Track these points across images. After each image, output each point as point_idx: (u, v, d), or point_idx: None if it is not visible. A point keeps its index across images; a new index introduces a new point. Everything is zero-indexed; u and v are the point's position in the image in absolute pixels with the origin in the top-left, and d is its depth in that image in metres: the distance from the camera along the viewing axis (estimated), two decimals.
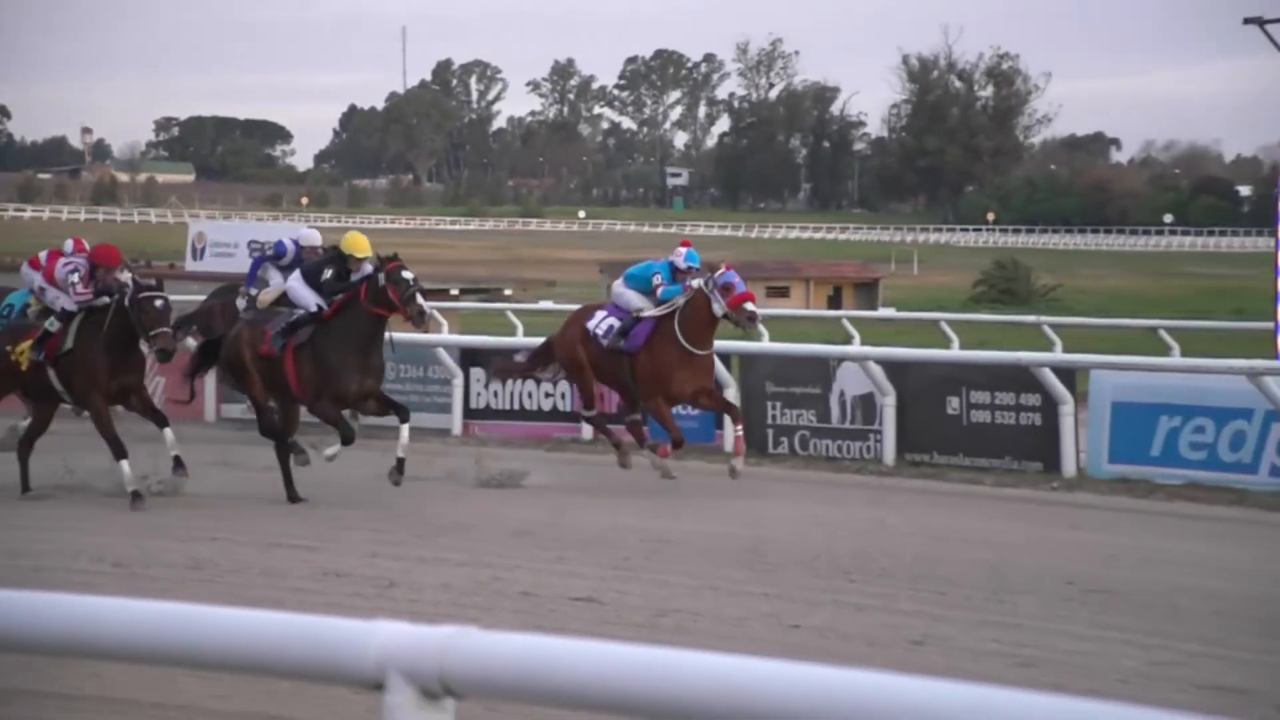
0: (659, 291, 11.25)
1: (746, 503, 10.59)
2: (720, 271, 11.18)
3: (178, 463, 10.39)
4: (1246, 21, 15.11)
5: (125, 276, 10.93)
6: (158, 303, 10.42)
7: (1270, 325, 15.60)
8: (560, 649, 2.30)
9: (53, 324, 10.85)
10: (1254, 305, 18.03)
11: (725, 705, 2.14)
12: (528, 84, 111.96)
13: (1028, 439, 12.04)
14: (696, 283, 11.12)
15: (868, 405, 12.73)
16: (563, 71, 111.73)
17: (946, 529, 9.71)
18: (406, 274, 10.44)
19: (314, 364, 10.48)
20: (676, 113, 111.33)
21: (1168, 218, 77.38)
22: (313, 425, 11.57)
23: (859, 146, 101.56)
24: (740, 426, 11.28)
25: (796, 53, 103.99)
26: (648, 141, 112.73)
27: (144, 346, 10.59)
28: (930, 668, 6.08)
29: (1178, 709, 2.06)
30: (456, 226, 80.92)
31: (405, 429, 10.52)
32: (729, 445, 13.16)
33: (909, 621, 7.12)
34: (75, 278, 10.86)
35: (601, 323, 11.40)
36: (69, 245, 13.79)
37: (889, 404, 12.50)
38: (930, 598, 7.68)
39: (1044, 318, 21.61)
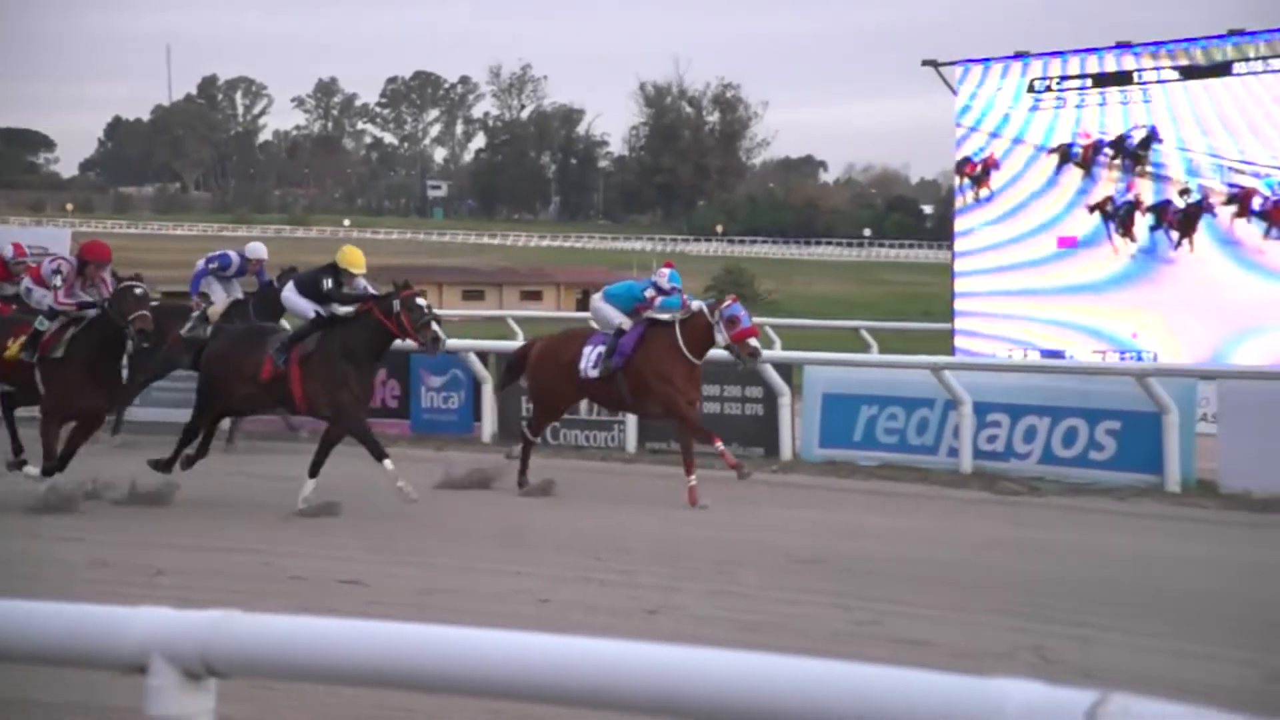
0: (658, 301, 10.40)
1: (503, 491, 10.58)
2: (726, 304, 10.36)
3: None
4: (924, 64, 15.97)
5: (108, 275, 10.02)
6: (137, 290, 9.70)
7: (949, 326, 16.46)
8: (321, 628, 2.28)
9: (42, 323, 9.95)
10: (937, 308, 19.11)
11: (476, 675, 2.14)
12: (293, 100, 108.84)
13: (751, 427, 12.39)
14: (698, 304, 10.43)
15: None
16: (326, 89, 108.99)
17: (680, 510, 9.91)
18: (421, 301, 9.74)
19: (324, 372, 9.70)
20: (436, 129, 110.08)
21: (866, 231, 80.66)
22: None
23: (603, 164, 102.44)
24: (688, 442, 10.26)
25: (545, 77, 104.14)
26: (409, 155, 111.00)
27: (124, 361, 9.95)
28: (662, 633, 6.20)
29: (872, 661, 2.17)
30: (225, 233, 78.11)
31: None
32: (487, 435, 13.14)
33: (647, 594, 7.24)
34: (58, 280, 9.90)
35: (589, 357, 10.42)
36: (9, 251, 12.58)
37: None
38: (666, 572, 7.84)
39: (765, 319, 22.25)
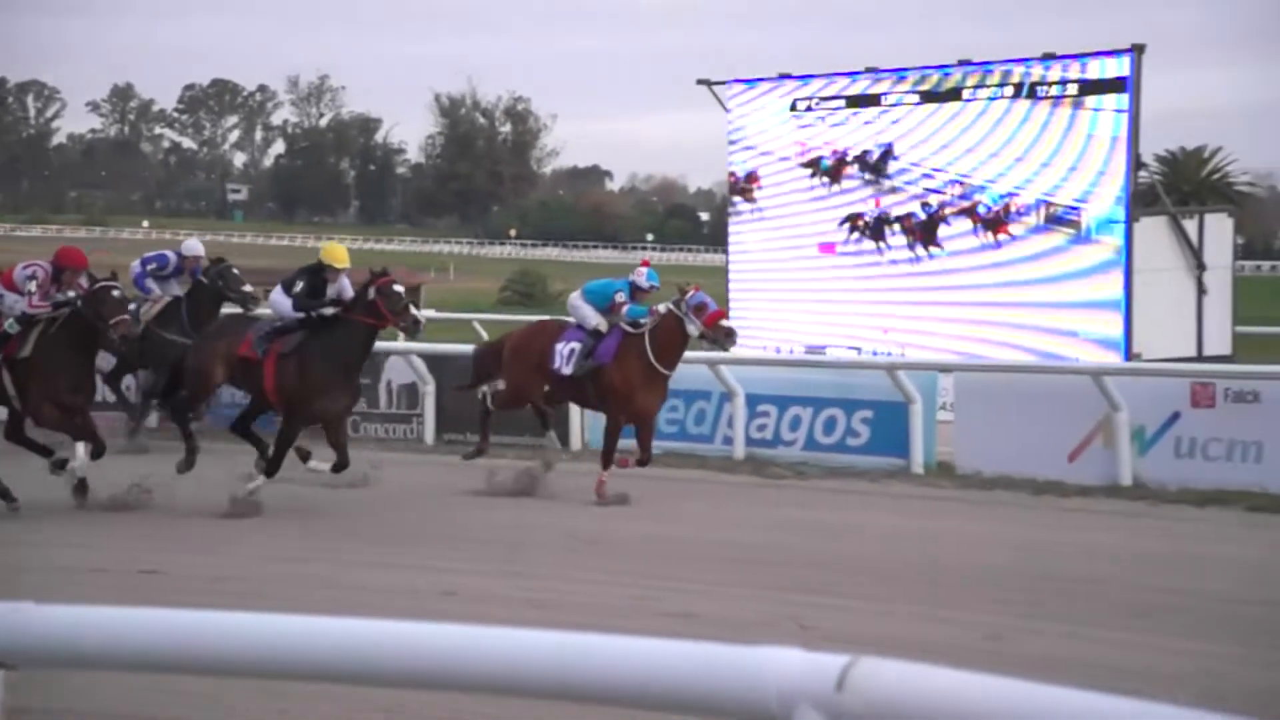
0: (624, 310, 9.93)
1: (302, 483, 10.28)
2: (690, 294, 9.87)
3: (80, 487, 9.16)
4: (699, 82, 16.31)
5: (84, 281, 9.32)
6: (115, 292, 9.07)
7: None
8: (111, 617, 2.18)
9: (12, 326, 9.20)
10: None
11: (256, 657, 2.09)
12: (87, 104, 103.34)
13: (538, 418, 12.38)
14: (664, 306, 9.90)
15: (411, 393, 12.72)
16: (122, 94, 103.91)
17: (473, 496, 9.83)
18: (398, 288, 9.28)
19: (299, 374, 9.18)
20: (235, 135, 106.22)
21: (649, 236, 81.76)
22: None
23: (401, 170, 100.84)
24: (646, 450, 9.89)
25: (343, 87, 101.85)
26: (208, 160, 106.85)
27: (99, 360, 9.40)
28: (456, 613, 6.14)
29: (647, 634, 2.20)
30: (18, 233, 73.68)
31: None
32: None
33: (442, 577, 7.16)
34: (33, 285, 9.21)
35: (563, 353, 10.00)
36: None
37: (429, 392, 12.55)
38: (460, 555, 7.77)
39: (561, 317, 22.12)
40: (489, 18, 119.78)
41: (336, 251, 9.67)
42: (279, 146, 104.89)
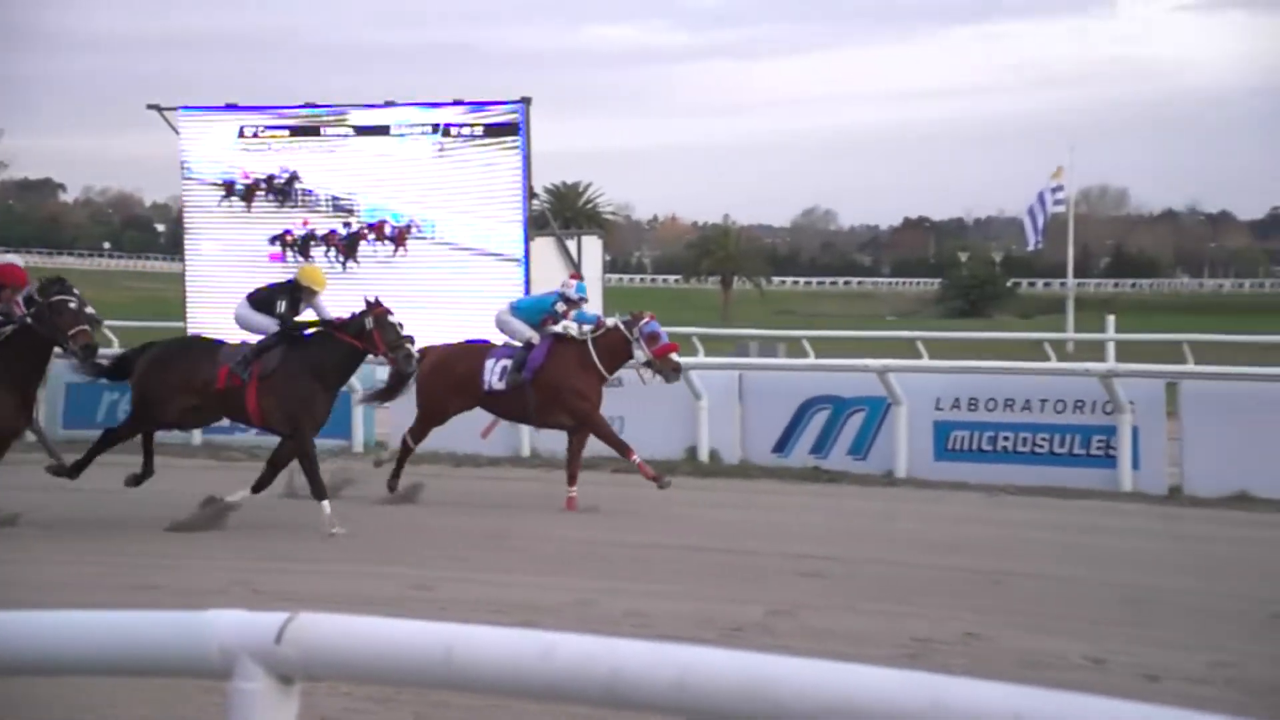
0: (572, 314, 8.73)
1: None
2: (645, 321, 8.65)
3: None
4: (149, 107, 15.53)
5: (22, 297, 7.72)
6: (71, 304, 7.40)
7: (183, 325, 15.71)
8: None
9: None
10: (172, 310, 18.19)
11: None
12: None
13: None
14: (613, 321, 8.86)
15: None
16: None
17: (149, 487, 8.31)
18: (393, 319, 7.95)
19: (286, 389, 7.79)
20: None
21: (106, 245, 74.86)
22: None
23: None
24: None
25: None
26: None
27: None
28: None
29: (107, 607, 2.02)
30: None
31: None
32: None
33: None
34: None
35: (494, 370, 8.67)
36: None
37: None
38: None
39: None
40: None
41: (315, 275, 8.54)
42: None
